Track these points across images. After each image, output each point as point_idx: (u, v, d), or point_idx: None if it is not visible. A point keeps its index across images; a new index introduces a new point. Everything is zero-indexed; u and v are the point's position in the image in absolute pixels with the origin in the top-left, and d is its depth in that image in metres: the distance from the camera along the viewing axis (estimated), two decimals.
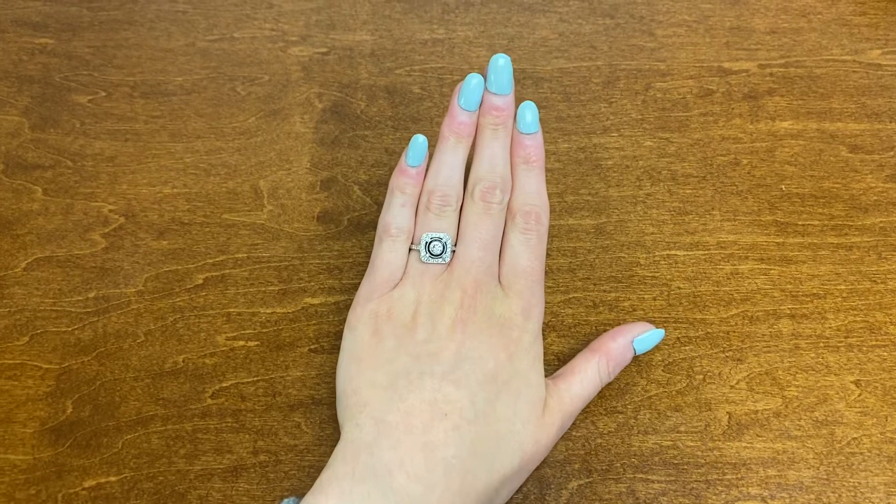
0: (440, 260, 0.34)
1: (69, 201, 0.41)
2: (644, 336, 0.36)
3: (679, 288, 0.39)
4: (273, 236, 0.40)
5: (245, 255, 0.40)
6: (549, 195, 0.39)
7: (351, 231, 0.41)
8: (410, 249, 0.35)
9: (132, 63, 0.45)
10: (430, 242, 0.34)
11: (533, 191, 0.35)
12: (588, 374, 0.35)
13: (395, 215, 0.35)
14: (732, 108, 0.44)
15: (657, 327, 0.37)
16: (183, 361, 0.37)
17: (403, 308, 0.33)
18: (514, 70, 0.43)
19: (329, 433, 0.36)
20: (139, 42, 0.46)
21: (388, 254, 0.34)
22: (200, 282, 0.39)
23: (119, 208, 0.41)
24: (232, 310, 0.39)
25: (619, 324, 0.38)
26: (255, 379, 0.37)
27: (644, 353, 0.37)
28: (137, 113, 0.44)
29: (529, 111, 0.35)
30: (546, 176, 0.38)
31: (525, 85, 0.45)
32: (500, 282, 0.34)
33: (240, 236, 0.40)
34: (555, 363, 0.37)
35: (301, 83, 0.45)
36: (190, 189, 0.42)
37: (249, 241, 0.40)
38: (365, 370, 0.32)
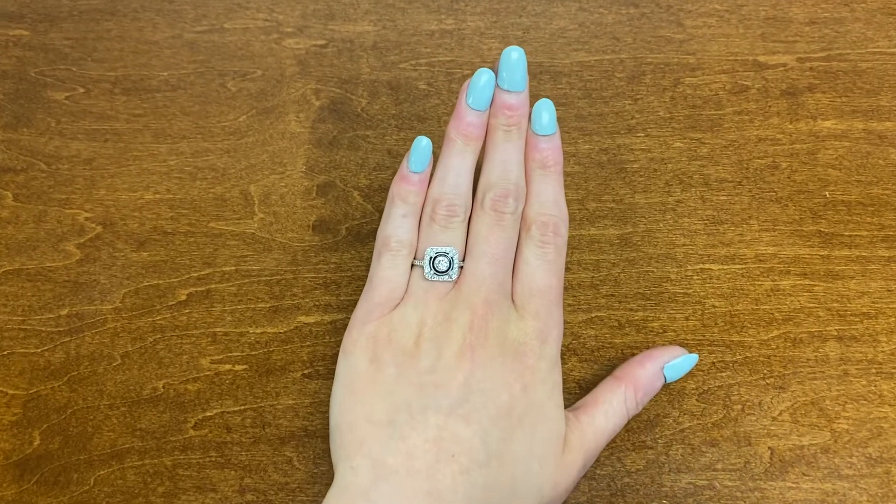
0: (446, 277, 0.31)
1: (42, 208, 0.39)
2: (676, 362, 0.33)
3: (714, 306, 0.36)
4: (264, 247, 0.38)
5: (233, 268, 0.37)
6: (569, 202, 0.37)
7: (350, 241, 0.38)
8: (413, 265, 0.32)
9: (114, 57, 0.43)
10: (435, 258, 0.31)
11: (550, 199, 0.32)
12: (613, 404, 0.32)
13: (396, 227, 0.32)
14: (769, 106, 0.41)
15: (690, 351, 0.34)
16: (163, 387, 0.35)
17: (405, 332, 0.31)
18: (530, 64, 0.41)
19: (324, 470, 0.33)
20: (122, 34, 0.43)
21: (388, 270, 0.32)
22: (184, 298, 0.37)
23: (96, 216, 0.39)
24: (218, 329, 0.36)
25: (647, 346, 0.36)
26: (243, 407, 0.35)
27: (676, 381, 0.35)
28: (118, 111, 0.41)
29: (546, 110, 0.32)
30: (565, 181, 0.36)
31: (541, 80, 0.42)
32: (513, 301, 0.31)
33: (227, 247, 0.38)
34: (576, 391, 0.35)
35: (297, 78, 0.42)
36: (174, 195, 0.39)
37: (238, 252, 0.38)
38: (361, 403, 0.30)
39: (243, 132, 0.41)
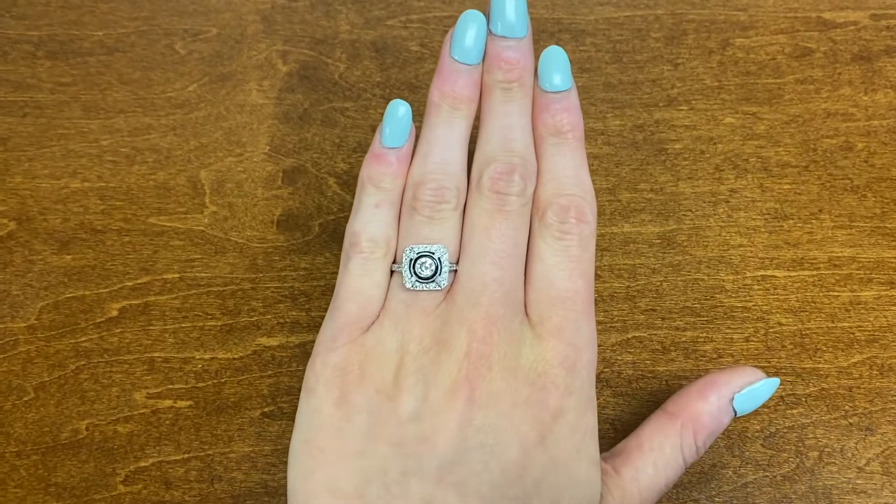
0: (432, 285, 0.26)
1: None
2: (750, 389, 0.28)
3: (780, 324, 0.32)
4: (216, 249, 0.34)
5: (177, 275, 0.34)
6: (598, 192, 0.33)
7: (324, 241, 0.34)
8: (392, 271, 0.27)
9: (37, 13, 0.39)
10: (417, 259, 0.26)
11: (569, 174, 0.27)
12: (665, 451, 0.27)
13: (367, 221, 0.27)
14: (839, 74, 0.37)
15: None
16: (86, 429, 0.32)
17: (381, 362, 0.25)
18: (547, 21, 0.37)
19: None
20: None
21: (358, 279, 0.26)
22: (115, 314, 0.33)
23: (9, 209, 0.35)
24: (156, 354, 0.33)
25: (698, 376, 0.31)
26: (186, 456, 0.31)
27: (739, 418, 0.30)
28: (41, 79, 0.37)
29: (556, 62, 0.28)
30: (591, 164, 0.34)
31: (562, 40, 0.37)
32: (526, 315, 0.26)
33: (170, 249, 0.34)
34: (610, 434, 0.31)
35: (260, 38, 0.38)
36: (106, 183, 0.35)
37: (184, 255, 0.34)
38: (323, 466, 0.24)
39: (193, 104, 0.37)
